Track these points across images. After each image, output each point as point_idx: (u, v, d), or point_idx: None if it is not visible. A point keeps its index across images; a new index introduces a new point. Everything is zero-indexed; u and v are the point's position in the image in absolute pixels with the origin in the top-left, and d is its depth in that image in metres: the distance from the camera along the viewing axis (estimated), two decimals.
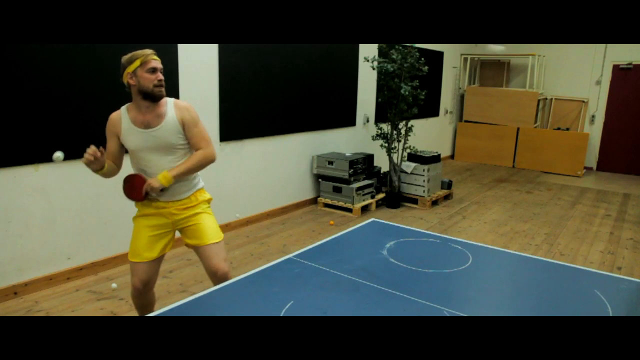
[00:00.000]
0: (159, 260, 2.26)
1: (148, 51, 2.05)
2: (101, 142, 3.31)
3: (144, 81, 2.02)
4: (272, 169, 4.87)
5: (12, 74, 2.81)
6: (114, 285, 2.90)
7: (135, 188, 2.12)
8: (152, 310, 2.39)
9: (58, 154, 2.71)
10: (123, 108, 2.14)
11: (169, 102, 2.14)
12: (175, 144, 2.14)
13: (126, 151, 2.20)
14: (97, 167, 2.02)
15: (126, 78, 2.05)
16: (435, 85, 8.21)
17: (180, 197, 2.22)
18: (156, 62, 2.05)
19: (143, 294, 2.28)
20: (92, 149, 1.96)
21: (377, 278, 1.82)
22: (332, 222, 4.81)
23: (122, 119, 2.12)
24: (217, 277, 2.19)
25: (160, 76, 2.06)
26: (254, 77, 4.43)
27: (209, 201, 2.33)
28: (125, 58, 2.05)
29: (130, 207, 3.56)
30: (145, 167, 2.16)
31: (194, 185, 2.27)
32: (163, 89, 2.08)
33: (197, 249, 2.25)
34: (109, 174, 2.15)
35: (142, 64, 2.01)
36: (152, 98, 2.06)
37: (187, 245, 2.29)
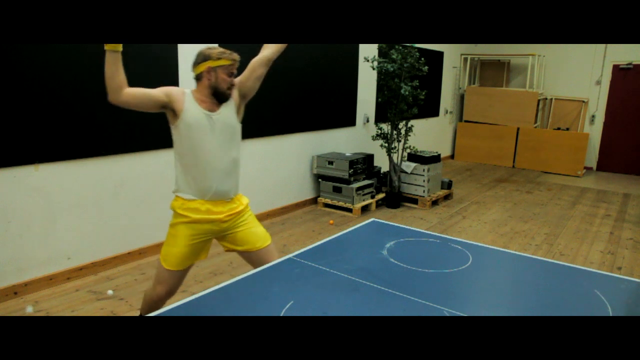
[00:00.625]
0: (190, 266, 2.21)
1: (236, 56, 2.07)
2: (101, 142, 3.31)
3: (221, 82, 2.03)
4: (272, 169, 4.87)
5: (12, 74, 2.81)
6: (110, 292, 2.90)
7: None
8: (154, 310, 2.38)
9: (29, 309, 2.81)
10: (187, 89, 2.09)
11: None
12: (236, 126, 2.14)
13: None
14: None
15: (202, 69, 2.02)
16: (435, 85, 8.21)
17: (229, 197, 2.14)
18: (235, 69, 2.08)
19: (163, 301, 2.21)
20: None
21: (377, 278, 1.82)
22: (331, 222, 4.81)
23: (185, 95, 2.05)
24: None
25: (234, 81, 2.09)
26: None
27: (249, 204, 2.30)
28: (210, 51, 2.02)
29: (130, 207, 3.56)
30: (204, 156, 2.06)
31: (237, 184, 2.23)
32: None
33: (249, 253, 2.20)
34: (117, 67, 1.85)
35: (226, 66, 2.03)
36: (220, 97, 2.07)
37: (232, 250, 2.23)
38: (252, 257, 2.22)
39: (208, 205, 2.09)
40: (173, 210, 2.12)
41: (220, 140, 2.08)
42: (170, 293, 2.19)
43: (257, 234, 2.21)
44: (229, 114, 2.11)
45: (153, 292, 2.19)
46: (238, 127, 2.17)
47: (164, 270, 2.12)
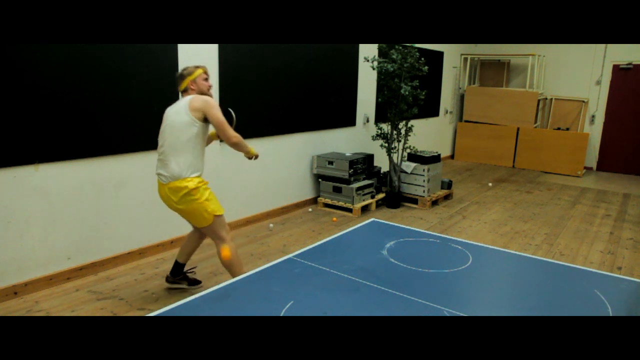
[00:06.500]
0: None
1: (204, 66, 2.80)
2: (101, 142, 3.31)
3: (203, 87, 2.77)
4: (272, 169, 4.87)
5: (12, 74, 2.81)
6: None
7: None
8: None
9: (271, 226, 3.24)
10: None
11: None
12: None
13: None
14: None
15: (186, 83, 2.74)
16: (435, 85, 8.21)
17: None
18: (207, 74, 2.81)
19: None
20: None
21: (377, 278, 1.82)
22: (334, 219, 4.80)
23: None
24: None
25: (211, 83, 2.84)
26: (254, 77, 4.43)
27: None
28: (186, 71, 2.75)
29: (130, 207, 3.56)
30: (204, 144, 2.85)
31: None
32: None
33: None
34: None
35: (201, 74, 2.75)
36: None
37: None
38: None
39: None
40: (194, 187, 2.69)
41: None
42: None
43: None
44: None
45: (229, 243, 2.78)
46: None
47: (222, 218, 2.79)
